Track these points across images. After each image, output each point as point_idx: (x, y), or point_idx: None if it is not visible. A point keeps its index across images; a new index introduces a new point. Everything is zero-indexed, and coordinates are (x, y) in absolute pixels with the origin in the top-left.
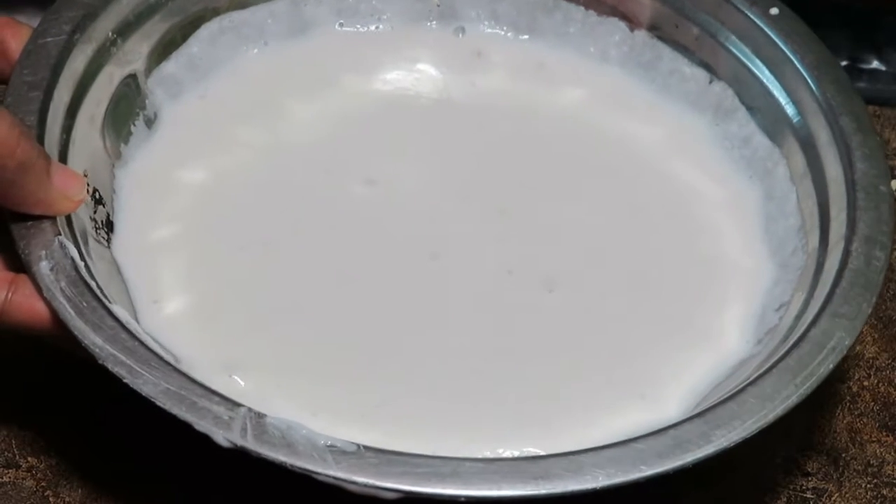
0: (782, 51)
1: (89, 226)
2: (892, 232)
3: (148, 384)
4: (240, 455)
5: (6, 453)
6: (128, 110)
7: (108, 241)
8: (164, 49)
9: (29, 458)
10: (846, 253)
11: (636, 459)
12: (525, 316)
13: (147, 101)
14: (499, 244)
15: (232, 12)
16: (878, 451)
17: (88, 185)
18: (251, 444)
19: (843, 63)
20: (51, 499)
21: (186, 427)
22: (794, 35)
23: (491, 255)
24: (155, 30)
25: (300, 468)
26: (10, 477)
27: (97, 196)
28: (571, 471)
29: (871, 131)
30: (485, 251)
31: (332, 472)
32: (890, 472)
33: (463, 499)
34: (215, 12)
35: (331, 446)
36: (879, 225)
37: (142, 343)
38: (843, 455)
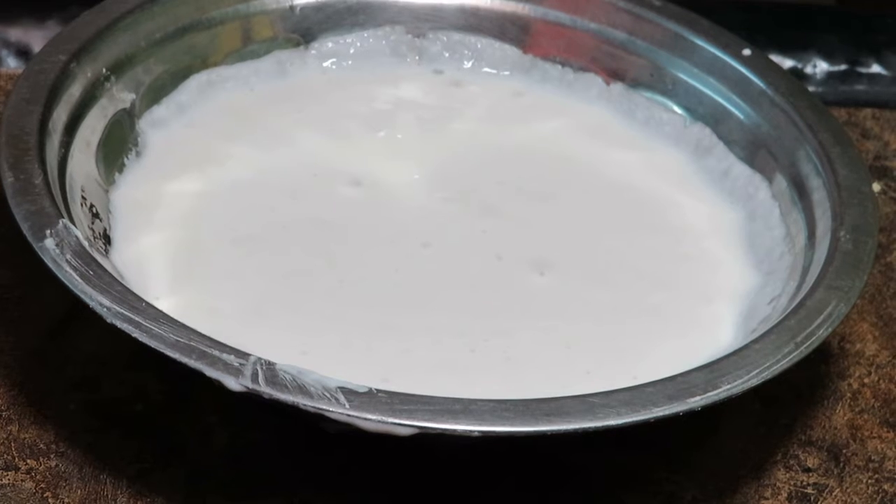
0: (758, 85)
1: (89, 235)
2: (877, 224)
3: (157, 338)
4: (250, 402)
5: (5, 455)
6: (121, 144)
7: (107, 252)
8: (155, 95)
9: (28, 460)
10: (835, 240)
11: (647, 401)
12: (516, 296)
13: (139, 139)
14: (487, 234)
15: (219, 67)
16: (878, 446)
17: (85, 199)
18: (263, 387)
19: (843, 67)
20: (50, 500)
21: (198, 376)
22: (768, 71)
23: (480, 243)
24: (147, 74)
25: (313, 408)
26: (9, 479)
27: (94, 211)
28: (582, 410)
29: (851, 144)
30: (474, 240)
31: (345, 411)
32: (891, 467)
33: (476, 433)
34: (204, 64)
35: (342, 388)
36: (865, 217)
37: (150, 304)
38: (844, 451)
